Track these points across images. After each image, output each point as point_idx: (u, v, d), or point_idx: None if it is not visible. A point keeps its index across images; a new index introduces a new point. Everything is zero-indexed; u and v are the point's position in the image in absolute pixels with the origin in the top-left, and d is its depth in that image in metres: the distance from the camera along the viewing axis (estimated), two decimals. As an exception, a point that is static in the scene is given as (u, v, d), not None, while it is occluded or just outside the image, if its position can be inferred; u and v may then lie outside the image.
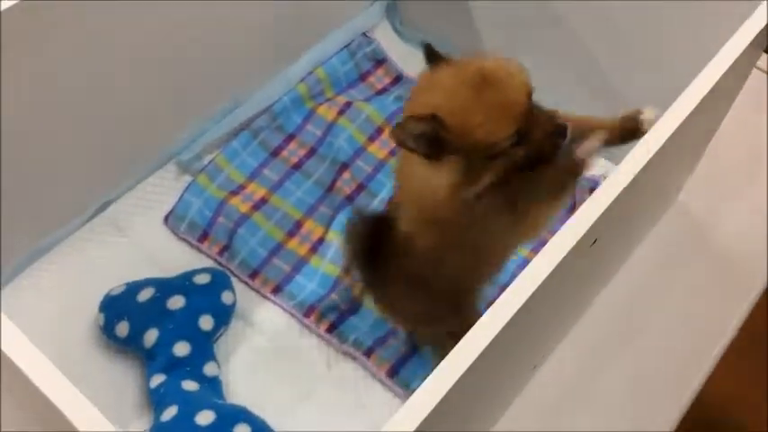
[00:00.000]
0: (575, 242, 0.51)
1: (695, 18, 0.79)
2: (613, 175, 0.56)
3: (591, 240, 0.55)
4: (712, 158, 0.91)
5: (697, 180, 0.93)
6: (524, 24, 0.94)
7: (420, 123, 0.58)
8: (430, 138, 0.58)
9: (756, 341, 1.33)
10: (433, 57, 0.63)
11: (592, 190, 0.90)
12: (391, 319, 0.81)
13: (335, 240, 0.89)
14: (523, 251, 0.86)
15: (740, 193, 0.97)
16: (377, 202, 0.93)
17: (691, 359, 0.83)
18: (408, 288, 0.72)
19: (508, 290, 0.49)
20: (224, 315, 0.79)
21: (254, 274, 0.86)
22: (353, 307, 0.85)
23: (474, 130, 0.59)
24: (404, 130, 0.58)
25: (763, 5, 0.69)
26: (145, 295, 0.77)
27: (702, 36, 0.77)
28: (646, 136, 0.59)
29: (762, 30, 0.68)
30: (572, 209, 0.92)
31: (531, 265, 0.50)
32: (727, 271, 0.91)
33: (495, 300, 0.48)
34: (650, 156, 0.57)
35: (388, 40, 1.07)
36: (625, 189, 0.55)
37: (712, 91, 0.63)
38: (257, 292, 0.86)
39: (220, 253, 0.88)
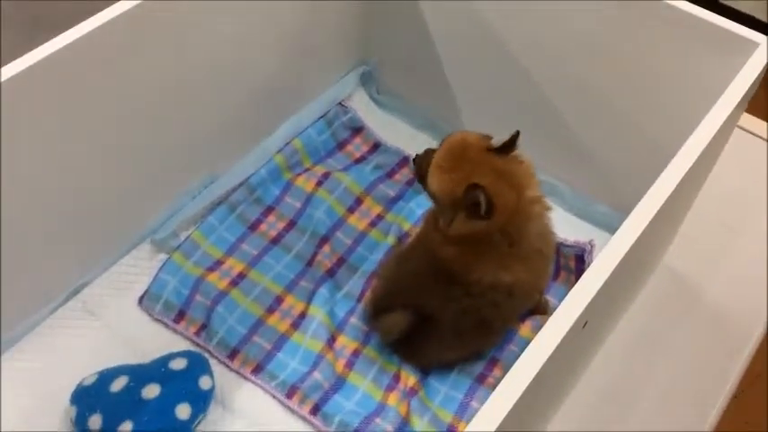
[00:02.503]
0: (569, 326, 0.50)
1: (677, 85, 0.79)
2: (600, 259, 0.54)
3: (582, 324, 0.53)
4: (693, 216, 0.90)
5: (680, 239, 0.92)
6: (502, 92, 0.94)
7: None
8: None
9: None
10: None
11: (577, 257, 0.90)
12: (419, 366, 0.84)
13: (317, 315, 0.86)
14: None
15: (724, 249, 0.96)
16: (357, 276, 0.90)
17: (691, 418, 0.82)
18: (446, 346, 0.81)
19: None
20: (202, 401, 0.76)
21: (233, 354, 0.83)
22: (337, 384, 0.82)
23: None
24: None
25: (746, 67, 0.69)
26: (118, 385, 0.74)
27: (684, 102, 0.78)
28: (635, 210, 0.58)
29: (746, 92, 0.68)
30: (557, 274, 0.91)
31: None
32: (719, 329, 0.90)
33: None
34: (638, 234, 0.56)
35: (364, 109, 1.06)
36: (613, 272, 0.54)
37: (698, 159, 0.62)
38: (237, 372, 0.83)
39: (197, 333, 0.85)
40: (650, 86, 0.81)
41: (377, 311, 0.83)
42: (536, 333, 0.88)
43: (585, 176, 0.93)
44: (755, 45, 0.71)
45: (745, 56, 0.70)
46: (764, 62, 0.70)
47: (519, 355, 0.86)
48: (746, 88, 0.67)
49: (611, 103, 0.85)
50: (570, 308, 0.51)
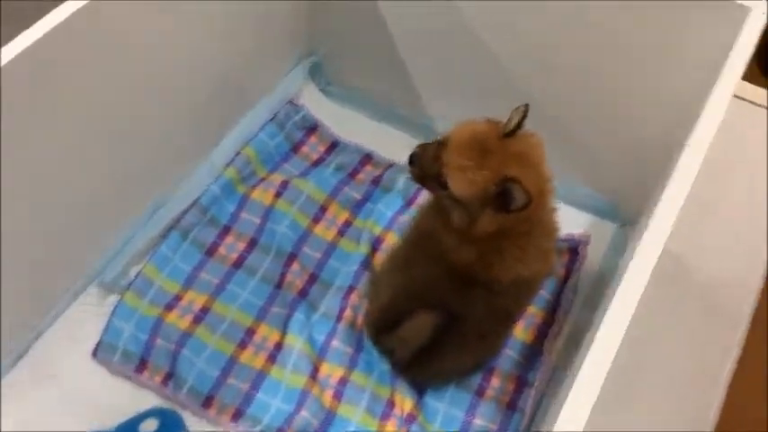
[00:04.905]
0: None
1: (662, 59, 0.73)
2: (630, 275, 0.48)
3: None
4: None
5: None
6: (465, 73, 0.87)
7: None
8: None
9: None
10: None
11: (571, 249, 0.85)
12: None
13: (295, 344, 0.79)
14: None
15: (714, 224, 0.92)
16: (332, 293, 0.83)
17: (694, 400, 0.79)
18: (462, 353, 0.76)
19: None
20: (181, 466, 0.68)
21: (207, 402, 0.75)
22: (327, 419, 0.75)
23: None
24: None
25: (743, 38, 0.63)
26: (83, 461, 0.65)
27: (668, 78, 0.73)
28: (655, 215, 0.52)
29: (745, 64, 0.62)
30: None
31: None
32: (715, 303, 0.86)
33: None
34: (665, 238, 0.51)
35: (316, 105, 0.98)
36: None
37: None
38: (215, 422, 0.74)
39: (164, 382, 0.76)
40: (632, 62, 0.76)
41: (385, 324, 0.76)
42: (528, 331, 0.83)
43: (566, 159, 0.87)
44: (747, 10, 0.65)
45: (736, 23, 0.65)
46: (761, 28, 0.64)
47: (516, 360, 0.81)
48: (746, 60, 0.62)
49: (586, 81, 0.81)
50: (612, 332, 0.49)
